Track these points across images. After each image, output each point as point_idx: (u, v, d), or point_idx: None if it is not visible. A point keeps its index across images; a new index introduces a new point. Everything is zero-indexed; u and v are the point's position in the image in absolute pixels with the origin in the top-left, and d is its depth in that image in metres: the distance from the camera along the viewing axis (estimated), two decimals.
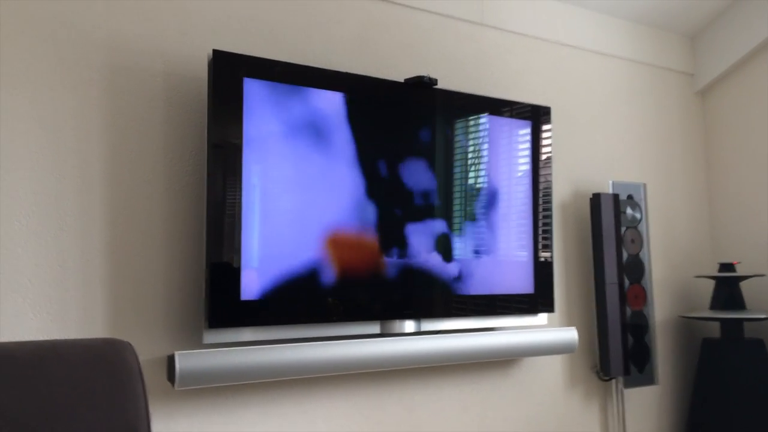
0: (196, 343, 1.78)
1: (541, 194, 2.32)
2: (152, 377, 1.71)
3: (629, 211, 2.63)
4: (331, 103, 1.92)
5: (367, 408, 2.07)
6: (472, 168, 2.18)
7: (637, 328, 2.59)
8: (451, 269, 2.10)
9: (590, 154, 2.72)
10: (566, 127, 2.66)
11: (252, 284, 1.76)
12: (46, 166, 1.65)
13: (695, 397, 2.72)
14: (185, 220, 1.82)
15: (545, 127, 2.36)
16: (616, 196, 2.56)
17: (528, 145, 2.31)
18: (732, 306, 2.68)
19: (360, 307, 1.94)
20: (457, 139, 2.15)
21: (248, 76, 1.79)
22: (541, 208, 2.32)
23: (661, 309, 2.83)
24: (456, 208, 2.13)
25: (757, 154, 2.91)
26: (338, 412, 2.02)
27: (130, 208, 1.75)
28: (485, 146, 2.21)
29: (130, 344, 1.29)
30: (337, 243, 1.89)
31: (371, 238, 1.95)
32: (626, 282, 2.57)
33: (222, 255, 1.72)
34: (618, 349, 2.48)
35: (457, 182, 2.14)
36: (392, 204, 2.00)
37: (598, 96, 2.78)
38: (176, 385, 1.63)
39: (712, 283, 2.79)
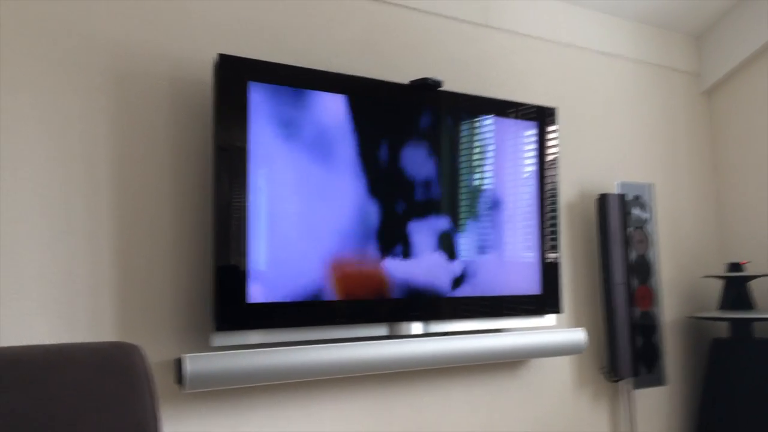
0: (203, 345, 1.78)
1: (547, 195, 2.32)
2: (160, 380, 1.71)
3: (636, 211, 2.62)
4: (335, 105, 1.92)
5: (375, 410, 2.07)
6: (478, 169, 2.18)
7: (646, 329, 2.58)
8: (458, 270, 2.10)
9: (596, 155, 2.72)
10: (572, 127, 2.65)
11: (259, 287, 1.76)
12: (53, 170, 1.66)
13: (705, 397, 2.70)
14: (192, 223, 1.82)
15: (551, 128, 2.35)
16: (622, 197, 2.55)
17: (534, 146, 2.31)
18: (741, 306, 2.67)
19: (367, 309, 1.94)
20: (462, 141, 2.15)
21: (253, 80, 1.79)
22: (547, 209, 2.31)
23: (669, 309, 2.82)
24: (462, 209, 2.13)
25: (764, 153, 2.90)
26: (346, 414, 2.02)
27: (137, 212, 1.75)
28: (491, 148, 2.21)
29: (139, 347, 1.29)
30: (343, 246, 1.90)
31: (377, 239, 1.95)
32: (634, 282, 2.56)
33: (229, 258, 1.72)
34: (626, 349, 2.47)
35: (463, 183, 2.14)
36: (398, 206, 2.00)
37: (603, 96, 2.77)
38: (184, 387, 1.64)
39: (720, 283, 2.78)
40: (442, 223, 2.08)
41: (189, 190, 1.83)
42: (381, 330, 1.99)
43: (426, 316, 2.05)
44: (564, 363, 2.50)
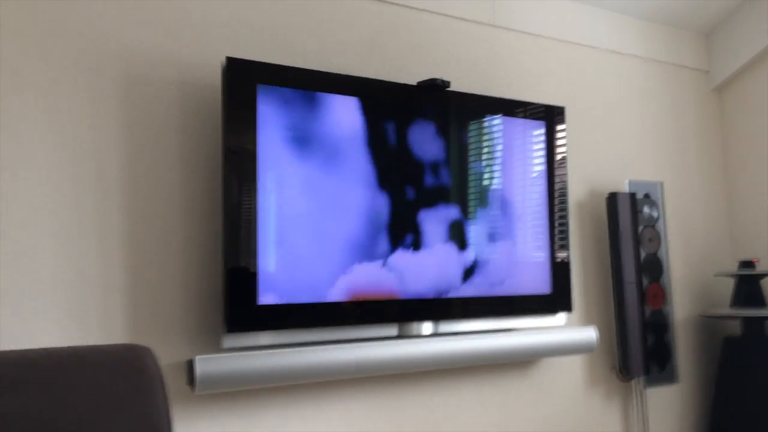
0: (214, 347, 1.79)
1: (556, 194, 2.31)
2: (172, 382, 1.72)
3: (646, 209, 2.62)
4: (344, 107, 1.93)
5: (386, 410, 2.07)
6: (487, 170, 2.18)
7: (657, 327, 2.57)
8: (468, 264, 2.10)
9: (606, 153, 2.71)
10: (581, 126, 2.65)
11: (269, 288, 1.77)
12: (64, 173, 1.67)
13: (717, 395, 2.69)
14: (202, 226, 1.83)
15: (559, 127, 2.35)
16: (632, 195, 2.54)
17: (543, 145, 2.31)
18: (753, 304, 2.65)
19: (377, 309, 1.95)
20: (471, 141, 2.15)
21: (261, 83, 1.80)
22: (557, 208, 2.31)
23: (680, 308, 2.81)
24: (471, 209, 2.13)
25: None
26: (357, 414, 2.02)
27: (147, 214, 1.76)
28: (499, 148, 2.21)
29: (151, 349, 1.30)
30: (353, 248, 1.90)
31: (388, 238, 1.96)
32: (645, 281, 2.55)
33: (239, 260, 1.73)
34: (638, 348, 2.46)
35: (472, 183, 2.14)
36: (407, 206, 2.00)
37: (612, 95, 2.76)
38: (196, 389, 1.65)
39: (731, 281, 2.76)
40: (452, 213, 2.08)
41: (199, 193, 1.84)
42: (391, 330, 1.99)
43: (436, 316, 2.05)
44: (575, 362, 2.49)
